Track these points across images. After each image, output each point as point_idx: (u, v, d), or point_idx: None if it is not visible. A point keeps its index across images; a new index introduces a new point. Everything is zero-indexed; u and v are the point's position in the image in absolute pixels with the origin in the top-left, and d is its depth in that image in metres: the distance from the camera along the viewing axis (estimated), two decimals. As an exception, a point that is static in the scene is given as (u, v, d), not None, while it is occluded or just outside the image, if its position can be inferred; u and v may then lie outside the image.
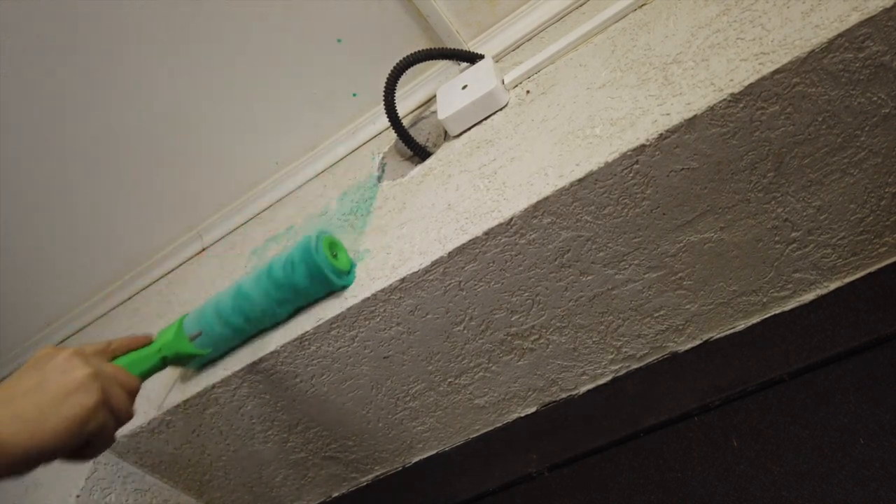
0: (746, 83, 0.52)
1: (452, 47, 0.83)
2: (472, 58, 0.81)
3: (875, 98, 0.53)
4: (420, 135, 0.79)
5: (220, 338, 0.72)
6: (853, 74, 0.52)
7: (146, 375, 0.59)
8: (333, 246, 0.70)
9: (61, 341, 1.11)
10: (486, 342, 0.70)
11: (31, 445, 0.41)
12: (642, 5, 0.70)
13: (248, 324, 0.71)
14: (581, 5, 0.79)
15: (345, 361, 0.72)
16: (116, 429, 0.49)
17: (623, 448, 0.69)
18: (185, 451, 0.82)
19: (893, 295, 0.61)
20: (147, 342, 0.60)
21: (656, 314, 0.68)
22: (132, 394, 0.51)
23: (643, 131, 0.56)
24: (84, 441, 0.45)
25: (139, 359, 0.58)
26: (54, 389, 0.44)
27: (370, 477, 0.87)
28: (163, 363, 0.62)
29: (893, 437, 0.55)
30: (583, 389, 0.75)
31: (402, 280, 0.64)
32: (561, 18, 0.80)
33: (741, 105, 0.53)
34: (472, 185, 0.67)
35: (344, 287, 0.69)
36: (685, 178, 0.57)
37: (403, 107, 0.87)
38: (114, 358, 0.56)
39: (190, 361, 0.70)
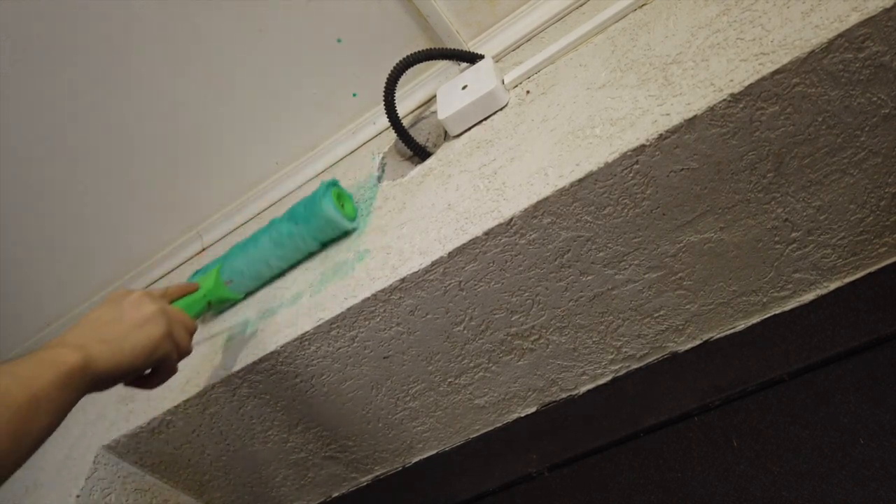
0: (746, 83, 0.52)
1: (452, 47, 0.83)
2: (472, 58, 0.81)
3: (875, 98, 0.53)
4: (420, 135, 0.79)
5: (248, 282, 0.80)
6: (853, 74, 0.52)
7: (196, 317, 0.67)
8: (341, 196, 0.77)
9: (61, 341, 1.11)
10: (486, 342, 0.70)
11: (113, 364, 0.50)
12: (642, 5, 0.70)
13: (270, 267, 0.79)
14: (581, 5, 0.79)
15: (345, 361, 0.72)
16: (178, 360, 0.58)
17: (623, 448, 0.69)
18: (185, 451, 0.82)
19: (893, 295, 0.61)
20: (195, 289, 0.69)
21: (656, 314, 0.68)
22: (191, 332, 0.61)
23: (643, 131, 0.56)
24: (152, 366, 0.55)
25: (191, 303, 0.67)
26: (130, 321, 0.53)
27: (370, 477, 0.87)
28: (208, 307, 0.71)
29: (893, 437, 0.55)
30: (583, 389, 0.75)
31: (402, 280, 0.64)
32: (561, 18, 0.80)
33: (741, 105, 0.53)
34: (472, 185, 0.67)
35: (346, 231, 0.76)
36: (685, 178, 0.57)
37: (403, 107, 0.87)
38: (171, 302, 0.64)
39: (225, 305, 0.81)
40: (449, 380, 0.74)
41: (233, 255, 0.80)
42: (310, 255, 0.79)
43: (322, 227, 0.75)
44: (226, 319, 0.82)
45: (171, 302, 0.64)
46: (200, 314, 0.70)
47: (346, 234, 0.77)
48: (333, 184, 0.76)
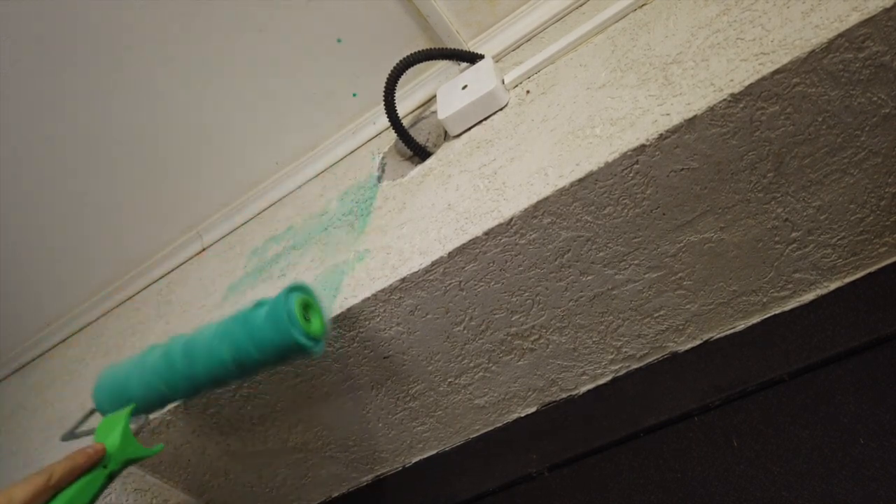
0: (746, 83, 0.52)
1: (452, 47, 0.83)
2: (472, 58, 0.81)
3: (875, 98, 0.53)
4: (420, 135, 0.79)
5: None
6: (853, 74, 0.52)
7: (94, 500, 0.52)
8: (308, 307, 0.61)
9: (62, 341, 1.11)
10: (486, 342, 0.70)
11: None
12: (642, 5, 0.70)
13: (199, 391, 0.62)
14: (581, 5, 0.79)
15: (345, 361, 0.72)
16: None
17: (623, 448, 0.69)
18: (185, 451, 0.82)
19: (893, 295, 0.61)
20: (93, 459, 0.53)
21: (656, 314, 0.68)
22: None
23: (643, 131, 0.56)
24: None
25: (85, 485, 0.51)
26: None
27: (370, 477, 0.87)
28: (111, 478, 0.54)
29: (893, 437, 0.55)
30: (583, 389, 0.75)
31: (403, 280, 0.64)
32: (561, 18, 0.80)
33: (741, 105, 0.53)
34: (472, 185, 0.67)
35: (309, 353, 0.59)
36: (685, 178, 0.57)
37: (403, 107, 0.87)
38: (56, 494, 0.49)
39: (140, 460, 0.60)
40: (449, 380, 0.74)
41: (148, 378, 0.61)
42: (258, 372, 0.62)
43: (276, 349, 0.58)
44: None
45: (57, 493, 0.48)
46: (101, 492, 0.53)
47: (305, 352, 0.59)
48: (298, 290, 0.60)
